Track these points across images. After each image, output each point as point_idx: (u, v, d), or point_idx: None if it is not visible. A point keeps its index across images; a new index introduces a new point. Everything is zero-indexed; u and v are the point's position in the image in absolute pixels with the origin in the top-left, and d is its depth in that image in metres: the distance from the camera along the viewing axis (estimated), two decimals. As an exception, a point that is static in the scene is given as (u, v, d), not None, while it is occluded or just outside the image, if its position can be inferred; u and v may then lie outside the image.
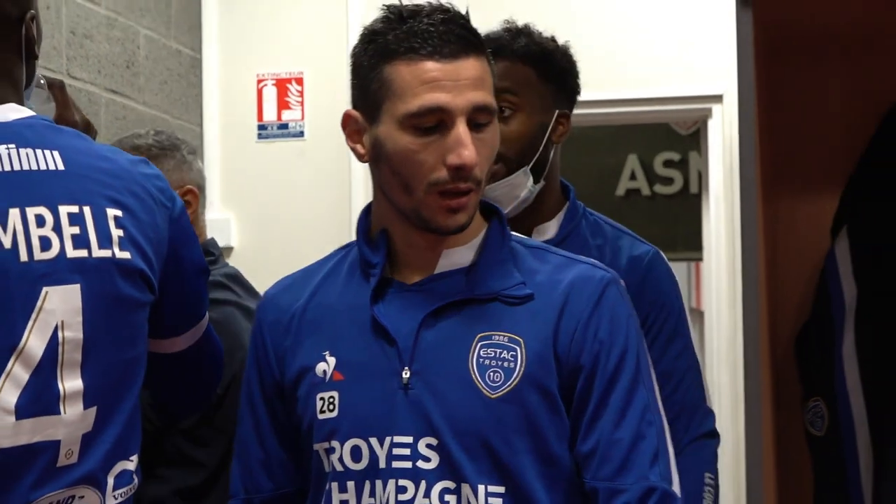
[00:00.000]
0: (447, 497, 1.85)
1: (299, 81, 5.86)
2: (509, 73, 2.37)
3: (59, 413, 2.04)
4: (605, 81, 4.60)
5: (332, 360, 1.93)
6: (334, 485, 1.91)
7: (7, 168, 2.06)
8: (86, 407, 2.05)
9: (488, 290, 1.91)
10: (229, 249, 5.69)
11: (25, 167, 2.08)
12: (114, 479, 2.13)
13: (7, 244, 2.01)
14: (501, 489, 1.85)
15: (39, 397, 2.01)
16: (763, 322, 2.46)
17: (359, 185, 5.65)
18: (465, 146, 1.83)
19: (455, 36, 1.85)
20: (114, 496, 2.12)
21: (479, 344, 1.89)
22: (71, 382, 2.03)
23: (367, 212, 2.07)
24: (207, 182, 5.70)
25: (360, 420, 1.88)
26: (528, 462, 1.86)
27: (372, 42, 1.92)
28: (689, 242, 5.68)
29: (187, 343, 2.30)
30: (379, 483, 1.88)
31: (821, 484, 2.67)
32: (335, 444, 1.89)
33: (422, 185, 1.86)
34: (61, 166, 2.10)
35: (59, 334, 2.03)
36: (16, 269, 1.98)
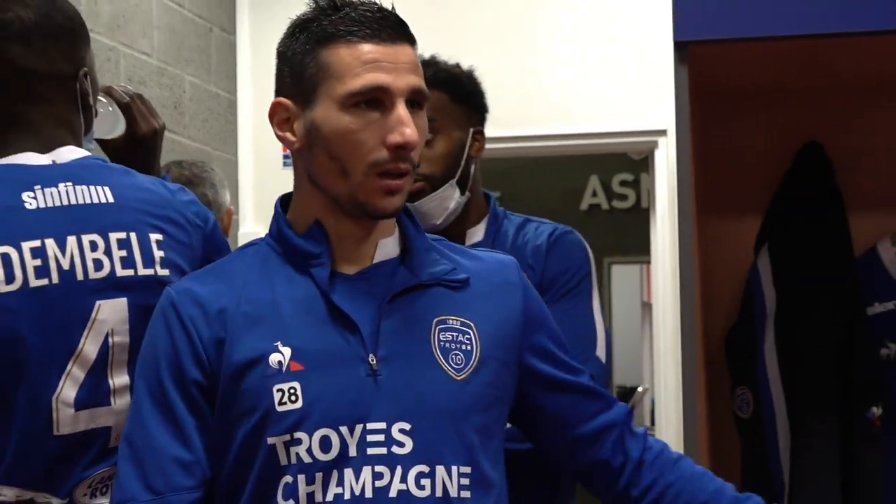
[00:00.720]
0: (422, 481, 1.65)
1: (315, 117, 5.79)
2: (433, 102, 2.05)
3: (109, 405, 2.10)
4: (571, 117, 4.64)
5: (286, 351, 1.67)
6: (301, 477, 1.63)
7: (66, 202, 2.10)
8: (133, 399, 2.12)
9: (430, 276, 1.74)
10: (257, 257, 5.68)
11: (81, 201, 2.11)
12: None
13: (66, 266, 2.05)
14: (469, 469, 1.67)
15: (94, 392, 2.07)
16: (698, 322, 2.46)
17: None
18: (407, 125, 1.65)
19: (391, 22, 1.69)
20: None
21: (438, 328, 1.71)
22: (119, 379, 2.07)
23: (283, 206, 1.84)
24: (243, 203, 5.79)
25: (329, 409, 1.63)
26: (480, 440, 1.69)
27: (305, 30, 1.70)
28: (641, 249, 5.64)
29: None
30: (349, 472, 1.64)
31: (747, 459, 2.69)
32: (301, 435, 1.63)
33: (360, 166, 1.66)
34: (111, 199, 2.13)
35: (110, 340, 2.09)
36: (74, 286, 2.03)
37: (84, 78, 2.16)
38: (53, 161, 2.11)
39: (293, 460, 1.62)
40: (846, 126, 2.74)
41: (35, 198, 2.05)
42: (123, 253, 2.11)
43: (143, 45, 5.15)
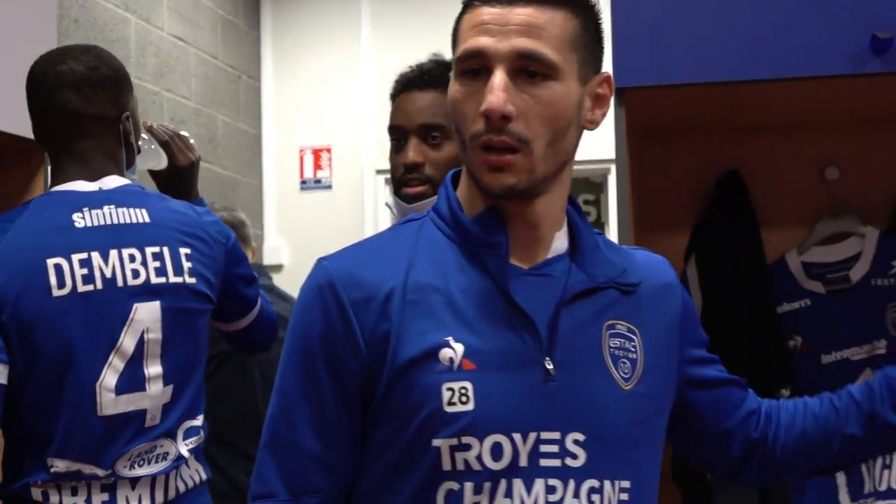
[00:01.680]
0: (593, 496, 1.34)
1: (328, 150, 5.87)
2: (441, 104, 1.93)
3: (145, 390, 2.14)
4: None
5: (459, 347, 1.32)
6: (468, 485, 1.31)
7: (109, 222, 2.16)
8: (164, 385, 2.14)
9: (606, 278, 1.42)
10: (280, 266, 5.80)
11: (122, 221, 2.17)
12: (183, 433, 2.21)
13: (108, 274, 2.10)
14: (628, 483, 1.38)
15: (131, 379, 2.13)
16: None
17: (370, 222, 5.68)
18: (492, 91, 1.32)
19: None
20: (185, 444, 2.20)
21: (608, 333, 1.40)
22: (153, 369, 2.14)
23: (452, 184, 1.48)
24: (267, 220, 5.79)
25: (502, 414, 1.32)
26: (647, 455, 1.43)
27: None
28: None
29: (245, 324, 2.48)
30: (519, 483, 1.31)
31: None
32: (470, 440, 1.30)
33: (466, 138, 1.38)
34: (147, 219, 2.19)
35: (145, 336, 2.14)
36: (115, 291, 2.10)
37: (126, 120, 2.22)
38: (100, 188, 2.15)
39: (460, 466, 1.31)
40: (759, 156, 2.74)
41: (83, 218, 2.11)
42: (157, 264, 2.16)
43: (183, 90, 5.17)
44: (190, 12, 5.27)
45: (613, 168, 4.84)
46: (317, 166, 5.89)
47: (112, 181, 2.19)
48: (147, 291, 2.13)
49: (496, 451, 1.31)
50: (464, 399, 1.30)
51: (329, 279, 1.37)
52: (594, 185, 6.94)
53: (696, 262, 2.65)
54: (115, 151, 2.24)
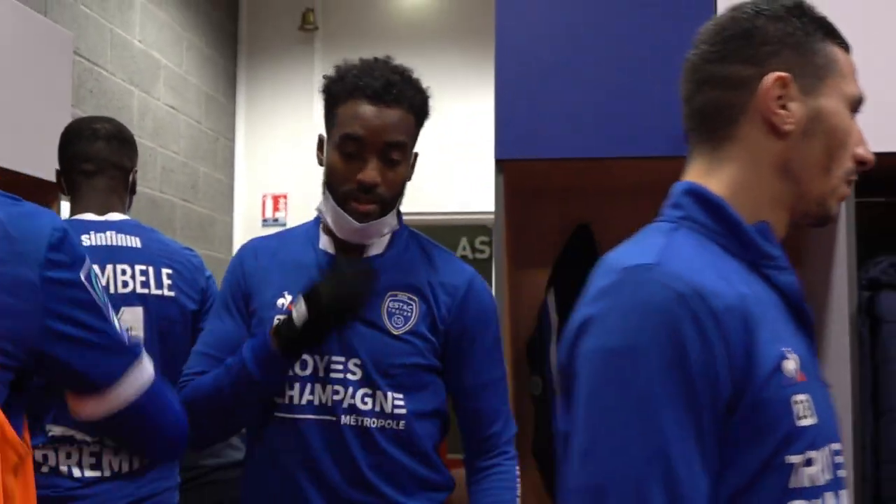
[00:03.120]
0: None
1: (284, 197, 5.86)
2: (406, 122, 1.62)
3: None
4: (448, 201, 4.68)
5: (794, 358, 0.99)
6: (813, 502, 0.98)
7: (109, 244, 2.14)
8: None
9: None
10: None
11: (119, 244, 2.14)
12: None
13: (104, 283, 2.06)
14: None
15: None
16: (508, 334, 2.47)
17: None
18: (863, 140, 1.11)
19: None
20: None
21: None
22: None
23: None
24: (235, 248, 5.71)
25: (828, 427, 1.01)
26: None
27: (804, 14, 1.09)
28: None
29: None
30: (830, 497, 0.99)
31: (539, 420, 2.64)
32: (814, 454, 0.98)
33: (841, 169, 1.08)
34: (139, 245, 2.16)
35: (129, 334, 2.09)
36: (109, 298, 2.03)
37: (135, 173, 2.20)
38: (106, 219, 2.12)
39: (805, 482, 0.97)
40: (603, 213, 2.76)
41: (90, 238, 2.07)
42: (143, 278, 2.13)
43: (174, 147, 5.13)
44: (180, 88, 5.23)
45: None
46: (275, 208, 5.88)
47: (115, 216, 2.18)
48: (133, 298, 2.10)
49: (826, 464, 1.00)
50: (808, 412, 0.98)
51: (692, 290, 0.94)
52: (489, 230, 7.00)
53: (554, 292, 2.64)
54: (122, 195, 2.23)
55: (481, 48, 4.34)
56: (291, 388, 1.60)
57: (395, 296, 1.64)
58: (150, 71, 4.87)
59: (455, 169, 5.37)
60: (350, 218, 1.62)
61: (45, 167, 2.63)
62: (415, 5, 5.98)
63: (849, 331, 2.20)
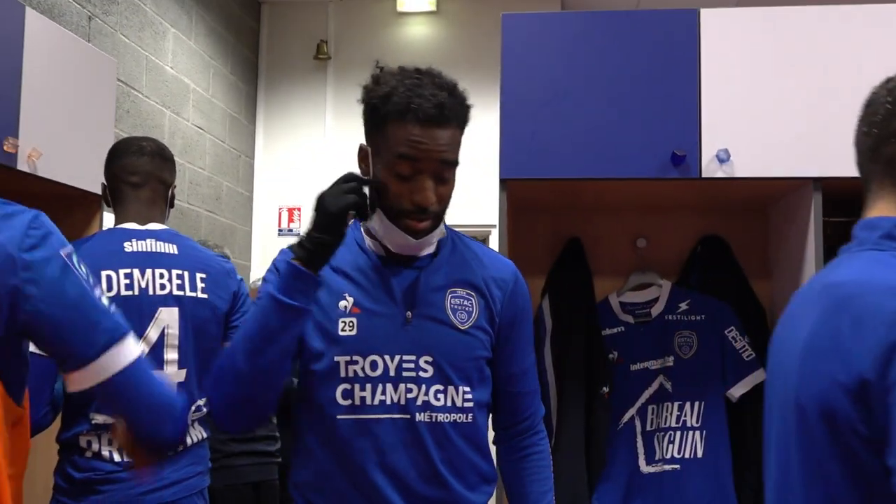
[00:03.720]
0: None
1: (299, 209, 5.84)
2: (456, 139, 1.50)
3: (163, 369, 2.06)
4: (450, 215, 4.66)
5: None
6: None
7: (149, 250, 2.11)
8: (178, 368, 2.07)
9: None
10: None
11: (158, 251, 2.12)
12: (194, 408, 2.14)
13: (143, 285, 2.06)
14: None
15: (153, 361, 2.06)
16: None
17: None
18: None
19: None
20: (192, 415, 2.13)
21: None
22: (171, 355, 2.08)
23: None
24: (254, 256, 5.71)
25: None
26: None
27: None
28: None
29: None
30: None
31: None
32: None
33: None
34: (176, 252, 2.14)
35: (166, 331, 2.07)
36: (147, 298, 2.04)
37: (174, 188, 2.18)
38: (147, 228, 2.10)
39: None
40: (593, 228, 2.76)
41: (132, 245, 2.05)
42: (179, 282, 2.10)
43: (200, 163, 5.10)
44: (207, 110, 5.21)
45: (495, 231, 4.88)
46: (290, 220, 5.85)
47: (155, 225, 2.17)
48: (170, 299, 2.09)
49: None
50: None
51: None
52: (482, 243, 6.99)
53: (549, 298, 2.62)
54: (162, 207, 2.22)
55: (485, 78, 4.33)
56: (363, 388, 1.45)
57: (455, 292, 1.53)
58: (180, 94, 4.85)
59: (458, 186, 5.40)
60: (405, 234, 1.49)
61: (90, 180, 2.61)
62: (422, 37, 5.97)
63: (816, 337, 2.20)
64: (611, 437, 2.55)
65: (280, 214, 5.87)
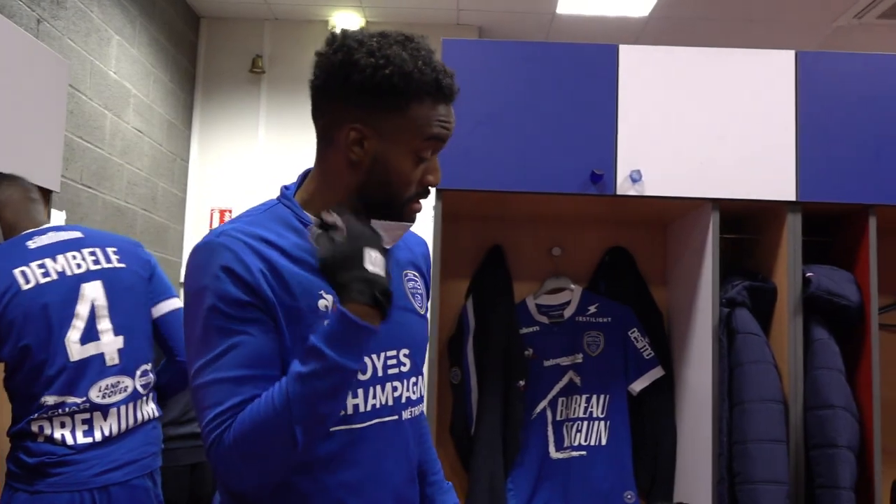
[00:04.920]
0: None
1: (229, 211, 5.68)
2: None
3: (99, 339, 2.00)
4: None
5: None
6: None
7: (54, 241, 2.10)
8: (115, 335, 2.01)
9: None
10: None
11: (62, 239, 2.13)
12: (140, 373, 2.06)
13: (59, 269, 2.01)
14: None
15: (89, 333, 2.00)
16: (434, 332, 2.43)
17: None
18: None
19: None
20: (140, 381, 2.05)
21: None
22: (103, 325, 2.02)
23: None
24: (185, 253, 5.52)
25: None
26: None
27: None
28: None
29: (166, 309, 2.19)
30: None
31: (455, 408, 2.61)
32: None
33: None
34: (80, 235, 2.18)
35: (94, 304, 2.02)
36: (66, 279, 1.99)
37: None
38: (42, 228, 2.05)
39: None
40: (515, 236, 2.77)
41: (34, 242, 2.02)
42: (93, 258, 2.12)
43: (138, 164, 4.94)
44: (146, 114, 5.04)
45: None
46: (221, 220, 5.69)
47: (48, 227, 2.15)
48: (89, 275, 2.03)
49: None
50: None
51: None
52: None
53: (472, 299, 2.62)
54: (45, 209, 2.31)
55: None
56: (355, 395, 1.15)
57: (408, 275, 1.28)
58: (121, 98, 4.68)
59: None
60: (406, 222, 1.20)
61: (41, 179, 2.48)
62: (347, 59, 5.93)
63: (711, 340, 2.26)
64: (525, 426, 2.57)
65: (212, 216, 5.71)
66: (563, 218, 2.71)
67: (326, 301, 1.13)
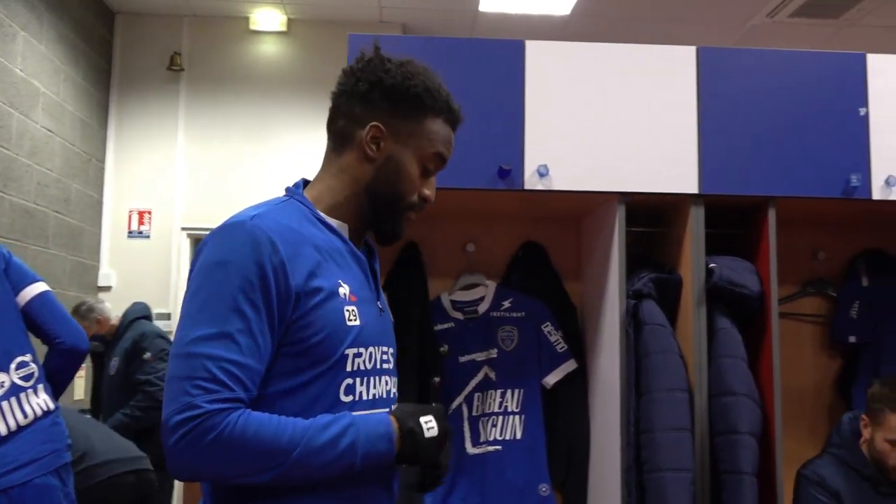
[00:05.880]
0: None
1: (148, 212, 5.58)
2: None
3: None
4: None
5: None
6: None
7: None
8: None
9: None
10: (110, 287, 5.49)
11: None
12: (15, 366, 1.98)
13: None
14: None
15: None
16: None
17: (174, 261, 5.43)
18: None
19: None
20: (17, 374, 1.98)
21: None
22: None
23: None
24: (102, 256, 5.37)
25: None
26: None
27: None
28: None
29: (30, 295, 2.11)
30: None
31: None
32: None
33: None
34: None
35: None
36: None
37: None
38: None
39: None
40: (429, 234, 2.76)
41: None
42: None
43: (49, 164, 4.80)
44: (57, 113, 4.89)
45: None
46: (140, 222, 5.56)
47: None
48: None
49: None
50: None
51: None
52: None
53: (388, 295, 2.61)
54: None
55: (327, 93, 4.27)
56: (362, 382, 1.21)
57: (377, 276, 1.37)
58: (29, 97, 4.53)
59: (273, 190, 5.34)
60: (401, 227, 1.35)
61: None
62: (273, 55, 5.85)
63: (619, 331, 2.30)
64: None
65: (130, 217, 5.58)
66: (477, 214, 2.72)
67: (345, 289, 1.21)
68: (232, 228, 1.16)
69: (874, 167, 2.39)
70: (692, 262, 2.33)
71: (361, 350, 1.21)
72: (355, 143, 1.29)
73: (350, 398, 1.19)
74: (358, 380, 1.20)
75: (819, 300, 2.90)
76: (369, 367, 1.22)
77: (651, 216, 2.56)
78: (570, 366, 2.63)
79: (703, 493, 2.21)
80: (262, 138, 5.63)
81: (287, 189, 1.34)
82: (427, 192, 1.33)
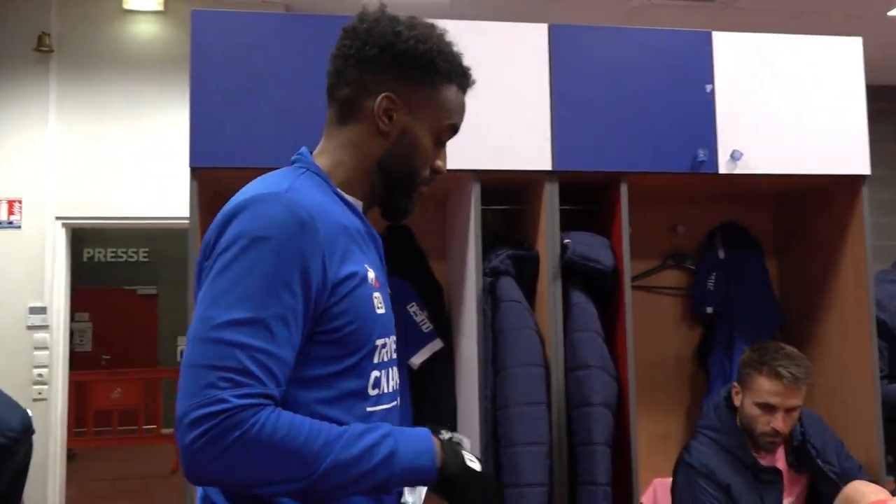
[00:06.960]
0: None
1: (19, 202, 5.31)
2: None
3: None
4: (140, 208, 4.35)
5: None
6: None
7: None
8: None
9: None
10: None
11: None
12: None
13: None
14: None
15: None
16: None
17: (49, 252, 5.21)
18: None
19: None
20: None
21: None
22: None
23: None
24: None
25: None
26: None
27: None
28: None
29: None
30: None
31: None
32: None
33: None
34: None
35: None
36: None
37: None
38: None
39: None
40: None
41: None
42: None
43: None
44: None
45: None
46: (10, 212, 5.29)
47: None
48: None
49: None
50: None
51: None
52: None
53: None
54: None
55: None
56: (385, 374, 1.17)
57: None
58: None
59: (153, 177, 5.19)
60: (414, 202, 1.26)
61: None
62: (149, 35, 5.65)
63: (476, 308, 2.32)
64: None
65: (-1, 206, 5.32)
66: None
67: (371, 274, 1.14)
68: (268, 200, 1.04)
69: (720, 142, 2.47)
70: (547, 238, 2.36)
71: (387, 340, 1.16)
72: (364, 114, 1.19)
73: (377, 391, 1.15)
74: (382, 372, 1.15)
75: (679, 273, 2.99)
76: (391, 356, 1.19)
77: (510, 194, 2.58)
78: (435, 345, 2.63)
79: (560, 466, 2.25)
80: (138, 122, 5.44)
81: (297, 159, 1.21)
82: (439, 163, 1.24)
